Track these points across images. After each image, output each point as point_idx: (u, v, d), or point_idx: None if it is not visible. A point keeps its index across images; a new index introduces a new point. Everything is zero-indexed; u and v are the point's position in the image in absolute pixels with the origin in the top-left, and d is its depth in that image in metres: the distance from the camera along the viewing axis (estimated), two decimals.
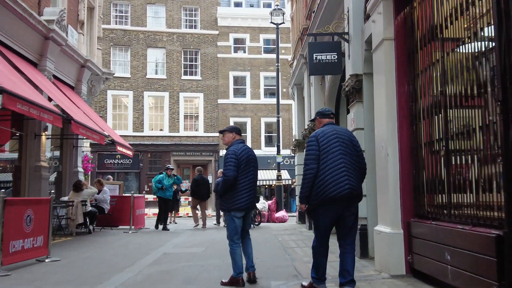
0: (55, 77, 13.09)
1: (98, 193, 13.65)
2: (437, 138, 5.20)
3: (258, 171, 6.26)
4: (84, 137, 12.67)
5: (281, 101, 32.43)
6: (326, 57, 8.06)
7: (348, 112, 10.97)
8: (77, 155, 14.65)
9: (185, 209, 25.88)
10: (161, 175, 14.36)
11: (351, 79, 7.68)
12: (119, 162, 31.07)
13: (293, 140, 16.59)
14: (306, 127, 13.50)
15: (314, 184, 4.86)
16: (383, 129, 6.08)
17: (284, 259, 7.88)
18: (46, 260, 7.77)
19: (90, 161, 29.92)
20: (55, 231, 12.32)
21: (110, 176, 17.08)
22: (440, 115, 5.08)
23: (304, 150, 5.42)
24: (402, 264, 5.75)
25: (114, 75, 31.49)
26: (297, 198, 17.06)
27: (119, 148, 13.33)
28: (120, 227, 14.00)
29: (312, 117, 6.07)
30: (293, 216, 23.07)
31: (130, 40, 32.30)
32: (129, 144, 29.47)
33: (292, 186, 27.28)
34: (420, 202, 5.67)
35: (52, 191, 13.57)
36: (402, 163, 5.87)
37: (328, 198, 4.76)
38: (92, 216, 13.00)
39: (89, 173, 30.36)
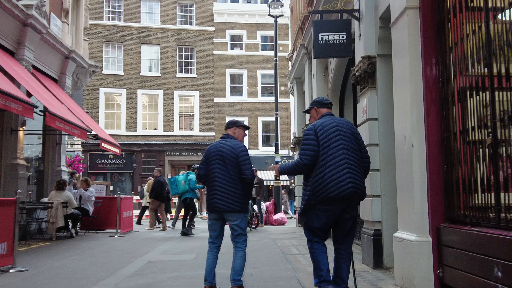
0: (34, 67, 12.04)
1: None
2: (477, 124, 4.18)
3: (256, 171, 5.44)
4: (66, 133, 11.59)
5: (279, 100, 31.39)
6: (334, 37, 7.03)
7: (354, 106, 10.02)
8: (61, 153, 13.57)
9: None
10: (193, 174, 13.01)
11: (362, 61, 6.66)
12: (112, 162, 30.04)
13: (292, 137, 15.58)
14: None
15: (311, 182, 4.42)
16: (406, 116, 5.06)
17: (285, 269, 6.84)
18: (11, 271, 6.73)
19: (81, 161, 28.94)
20: (34, 235, 11.31)
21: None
22: (484, 95, 4.06)
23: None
24: (430, 279, 4.73)
25: (107, 73, 31.12)
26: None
27: (104, 145, 12.26)
28: (107, 230, 12.95)
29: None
30: (289, 217, 22.16)
31: (123, 37, 31.33)
32: (122, 143, 28.86)
33: (291, 187, 26.29)
34: (452, 204, 4.64)
35: (30, 191, 12.60)
36: (430, 157, 4.85)
37: (327, 198, 4.31)
38: (75, 219, 11.95)
39: (80, 173, 29.42)
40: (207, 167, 5.14)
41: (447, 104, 4.75)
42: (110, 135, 29.28)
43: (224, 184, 4.96)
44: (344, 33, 7.09)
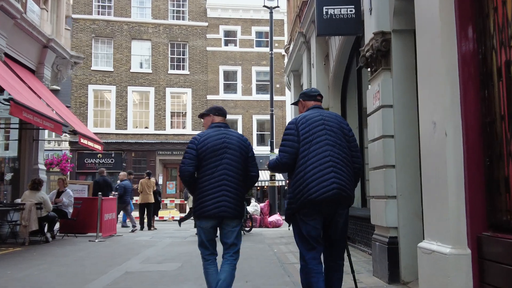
0: (7, 56, 10.97)
1: (60, 195, 11.57)
2: None
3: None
4: (41, 127, 10.54)
5: (275, 97, 30.47)
6: (340, 11, 6.03)
7: (359, 97, 9.02)
8: (38, 150, 12.49)
9: (170, 212, 23.95)
10: None
11: (375, 39, 5.66)
12: (101, 161, 28.92)
13: None
14: None
15: (292, 182, 3.90)
16: (437, 98, 4.05)
17: (284, 283, 5.84)
18: None
19: (68, 160, 27.85)
20: (6, 240, 10.27)
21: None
22: None
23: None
24: None
25: (96, 69, 30.05)
26: None
27: (82, 140, 11.19)
28: (89, 234, 11.87)
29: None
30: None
31: (113, 32, 30.35)
32: (112, 142, 27.88)
33: (286, 187, 25.22)
34: (497, 207, 3.65)
35: (5, 192, 11.58)
36: (467, 147, 3.84)
37: (308, 201, 3.76)
38: (51, 222, 10.90)
39: (68, 173, 28.33)
40: (203, 163, 4.20)
41: (490, 81, 3.75)
42: (99, 133, 28.36)
43: (235, 184, 4.18)
44: (353, 6, 6.09)
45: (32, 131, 12.37)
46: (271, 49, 18.98)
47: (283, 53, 25.50)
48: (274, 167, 4.10)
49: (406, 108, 5.46)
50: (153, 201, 15.21)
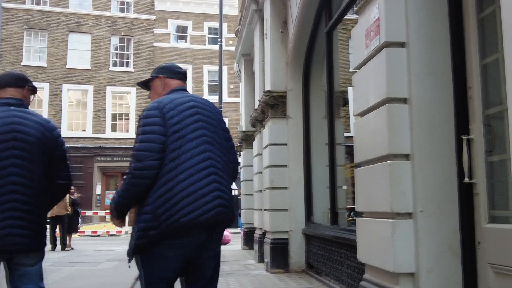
0: None
1: None
2: None
3: None
4: None
5: (228, 99, 28.05)
6: None
7: (329, 73, 6.43)
8: None
9: (105, 226, 20.96)
10: None
11: None
12: None
13: (239, 132, 11.93)
14: (256, 106, 8.86)
15: (151, 197, 2.50)
16: None
17: None
18: None
19: None
20: None
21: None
22: None
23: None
24: None
25: (27, 65, 26.92)
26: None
27: None
28: None
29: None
30: (236, 232, 18.51)
31: (49, 23, 27.37)
32: None
33: (239, 196, 22.73)
34: None
35: None
36: None
37: (180, 225, 2.43)
38: None
39: None
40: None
41: None
42: None
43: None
44: None
45: None
46: (221, 28, 16.50)
47: (234, 31, 23.03)
48: (126, 194, 2.58)
49: (437, 46, 2.90)
50: (66, 213, 12.21)
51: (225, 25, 26.70)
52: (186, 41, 29.04)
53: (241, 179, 12.04)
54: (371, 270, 3.26)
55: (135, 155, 2.53)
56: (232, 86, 27.44)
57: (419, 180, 2.86)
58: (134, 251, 2.55)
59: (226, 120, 27.88)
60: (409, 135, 2.89)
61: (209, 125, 2.74)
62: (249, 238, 11.09)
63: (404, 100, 2.93)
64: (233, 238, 15.51)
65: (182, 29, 29.18)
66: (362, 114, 3.32)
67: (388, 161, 2.92)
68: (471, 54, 2.80)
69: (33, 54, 27.27)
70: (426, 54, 2.93)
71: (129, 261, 2.60)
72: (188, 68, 28.58)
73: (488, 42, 2.77)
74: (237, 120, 27.93)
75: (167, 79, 2.91)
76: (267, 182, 7.57)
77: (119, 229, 19.12)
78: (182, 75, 2.99)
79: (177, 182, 2.50)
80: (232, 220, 2.77)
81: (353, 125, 3.47)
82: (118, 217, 2.67)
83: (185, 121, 2.65)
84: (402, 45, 2.96)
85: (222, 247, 10.23)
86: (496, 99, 2.72)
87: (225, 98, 28.17)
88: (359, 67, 3.37)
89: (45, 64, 26.90)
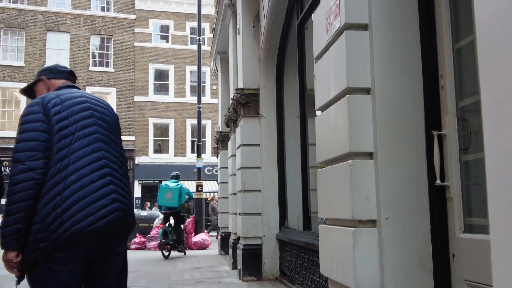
0: None
1: None
2: None
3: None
4: None
5: (211, 100, 27.57)
6: None
7: (301, 69, 6.04)
8: None
9: None
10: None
11: None
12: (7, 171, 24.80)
13: (216, 132, 11.49)
14: (230, 105, 8.44)
15: (40, 205, 2.17)
16: None
17: None
18: None
19: None
20: None
21: None
22: None
23: None
24: None
25: (4, 64, 26.22)
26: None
27: None
28: None
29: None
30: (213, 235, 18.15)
31: (26, 22, 26.69)
32: None
33: (212, 201, 22.54)
34: None
35: None
36: None
37: (73, 235, 2.14)
38: None
39: None
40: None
41: None
42: (4, 137, 24.40)
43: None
44: None
45: None
46: (199, 30, 15.98)
47: (210, 28, 22.59)
48: (15, 196, 2.14)
49: (402, 29, 2.51)
50: None
51: (206, 25, 26.33)
52: (167, 41, 28.50)
53: (218, 181, 11.61)
54: (333, 285, 2.86)
55: (14, 158, 2.21)
56: (214, 87, 26.96)
57: (383, 183, 2.47)
58: (24, 268, 2.21)
59: (208, 122, 27.51)
60: (372, 130, 2.50)
61: (103, 121, 2.47)
62: (226, 243, 10.66)
63: (367, 91, 2.54)
64: (212, 242, 15.12)
65: (163, 29, 28.66)
66: (323, 108, 2.92)
67: (349, 161, 2.52)
68: (442, 37, 2.42)
69: (10, 53, 26.60)
70: (391, 38, 2.53)
71: (18, 281, 2.24)
72: (170, 68, 28.09)
73: (462, 22, 2.39)
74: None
75: (51, 80, 2.65)
76: (240, 185, 7.17)
77: None
78: (67, 74, 2.73)
79: (67, 184, 2.20)
80: (132, 228, 2.49)
81: (315, 121, 3.07)
82: (11, 247, 2.16)
83: (74, 116, 2.37)
84: (364, 27, 2.57)
85: (199, 252, 9.73)
86: (471, 89, 2.34)
87: (208, 99, 27.71)
88: (320, 56, 2.97)
89: (22, 64, 26.24)
